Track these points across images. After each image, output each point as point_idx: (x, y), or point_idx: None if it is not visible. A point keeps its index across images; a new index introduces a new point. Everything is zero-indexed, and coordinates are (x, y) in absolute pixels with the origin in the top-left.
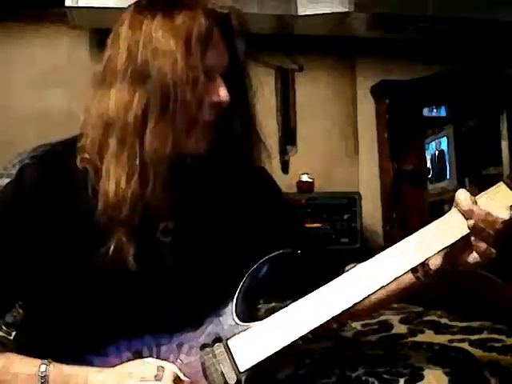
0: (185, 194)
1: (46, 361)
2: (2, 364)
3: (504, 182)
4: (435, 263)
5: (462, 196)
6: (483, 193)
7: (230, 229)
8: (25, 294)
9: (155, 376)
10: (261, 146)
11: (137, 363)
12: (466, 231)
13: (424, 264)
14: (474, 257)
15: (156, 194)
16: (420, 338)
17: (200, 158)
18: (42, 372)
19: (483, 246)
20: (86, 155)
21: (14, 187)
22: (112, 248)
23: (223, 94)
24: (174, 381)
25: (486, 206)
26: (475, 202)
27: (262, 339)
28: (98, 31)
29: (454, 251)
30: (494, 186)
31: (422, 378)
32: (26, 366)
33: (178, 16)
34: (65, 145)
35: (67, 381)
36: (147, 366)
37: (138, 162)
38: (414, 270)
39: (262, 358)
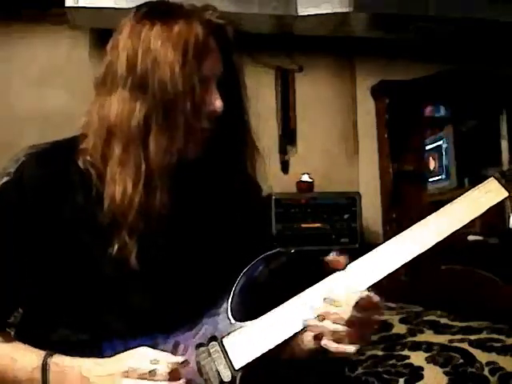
0: (182, 196)
1: (48, 352)
2: (10, 354)
3: (495, 178)
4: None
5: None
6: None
7: (225, 231)
8: (25, 294)
9: (149, 372)
10: (254, 151)
11: (132, 356)
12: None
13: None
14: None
15: (163, 198)
16: (419, 337)
17: (196, 162)
18: (43, 364)
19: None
20: (89, 158)
21: (12, 186)
22: (116, 247)
23: (218, 103)
24: (169, 374)
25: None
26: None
27: (256, 337)
28: (98, 31)
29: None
30: (485, 182)
31: (421, 377)
32: (30, 357)
33: (176, 25)
34: (63, 144)
35: (63, 372)
36: (141, 360)
37: (143, 168)
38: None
39: (257, 355)
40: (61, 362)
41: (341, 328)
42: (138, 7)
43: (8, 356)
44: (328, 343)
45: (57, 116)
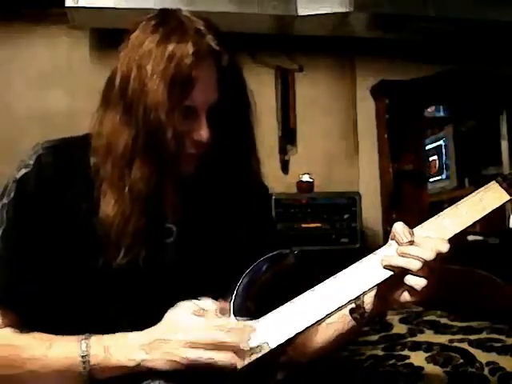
0: (185, 201)
1: (83, 336)
2: (42, 352)
3: (497, 182)
4: (369, 303)
5: (399, 229)
6: (426, 222)
7: (230, 233)
8: (35, 286)
9: (202, 309)
10: (258, 163)
11: (179, 306)
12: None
13: (358, 304)
14: (405, 296)
15: (139, 223)
16: (420, 337)
17: (196, 174)
18: (83, 344)
19: (417, 282)
20: (98, 166)
21: (31, 176)
22: (123, 250)
23: (204, 134)
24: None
25: (423, 240)
26: (412, 234)
27: (259, 336)
28: (98, 31)
29: (386, 289)
30: (487, 185)
31: (421, 377)
32: (66, 342)
33: (170, 49)
34: (78, 140)
35: (106, 347)
36: (188, 304)
37: (127, 190)
38: (351, 311)
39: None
40: (102, 339)
41: (425, 258)
42: (149, 18)
43: (41, 347)
44: (411, 278)
45: (57, 115)
